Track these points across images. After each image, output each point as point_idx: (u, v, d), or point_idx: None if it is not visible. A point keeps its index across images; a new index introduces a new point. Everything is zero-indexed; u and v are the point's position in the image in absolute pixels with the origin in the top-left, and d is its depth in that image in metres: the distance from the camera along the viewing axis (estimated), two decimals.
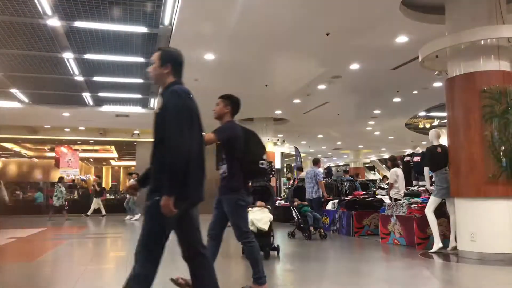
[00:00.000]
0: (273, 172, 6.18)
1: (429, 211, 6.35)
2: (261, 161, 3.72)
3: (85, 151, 24.73)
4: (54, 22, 6.93)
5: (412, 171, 8.78)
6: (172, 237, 2.51)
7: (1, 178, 20.52)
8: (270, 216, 6.02)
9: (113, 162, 31.09)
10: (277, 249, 6.10)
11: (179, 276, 3.39)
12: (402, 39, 7.55)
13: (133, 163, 22.44)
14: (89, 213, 16.10)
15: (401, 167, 8.91)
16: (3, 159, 25.62)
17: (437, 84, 10.55)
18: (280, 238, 8.83)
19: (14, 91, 11.29)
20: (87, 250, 7.85)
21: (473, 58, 5.77)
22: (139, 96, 12.09)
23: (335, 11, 6.47)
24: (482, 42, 5.70)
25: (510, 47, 5.80)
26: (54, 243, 8.72)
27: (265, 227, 5.80)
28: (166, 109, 2.46)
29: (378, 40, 7.65)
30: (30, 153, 24.94)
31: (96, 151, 26.39)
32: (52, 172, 22.02)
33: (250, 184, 4.29)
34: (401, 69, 9.30)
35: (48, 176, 22.44)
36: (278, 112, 14.45)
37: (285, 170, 22.64)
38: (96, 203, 16.30)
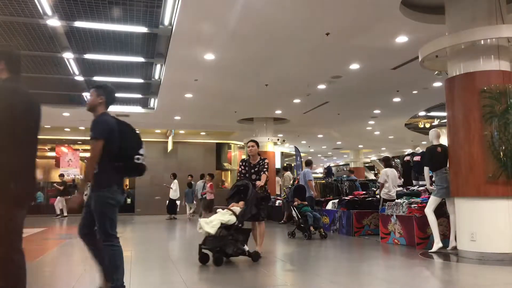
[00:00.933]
0: (264, 169, 6.06)
1: (429, 211, 6.35)
2: (137, 156, 3.43)
3: (85, 150, 24.70)
4: (54, 22, 6.93)
5: (412, 171, 8.79)
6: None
7: None
8: (229, 219, 5.48)
9: None
10: (250, 255, 5.57)
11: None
12: (402, 39, 7.56)
13: None
14: None
15: (400, 166, 8.91)
16: None
17: (437, 84, 10.57)
18: (280, 238, 8.85)
19: None
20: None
21: (473, 58, 5.77)
22: (139, 96, 12.09)
23: (335, 11, 6.47)
24: (482, 42, 5.71)
25: (510, 47, 5.80)
26: (54, 243, 8.73)
27: (212, 231, 5.29)
28: None
29: (378, 40, 7.66)
30: None
31: None
32: (52, 172, 22.00)
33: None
34: (401, 69, 9.31)
35: (48, 176, 22.41)
36: (278, 112, 14.45)
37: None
38: None
